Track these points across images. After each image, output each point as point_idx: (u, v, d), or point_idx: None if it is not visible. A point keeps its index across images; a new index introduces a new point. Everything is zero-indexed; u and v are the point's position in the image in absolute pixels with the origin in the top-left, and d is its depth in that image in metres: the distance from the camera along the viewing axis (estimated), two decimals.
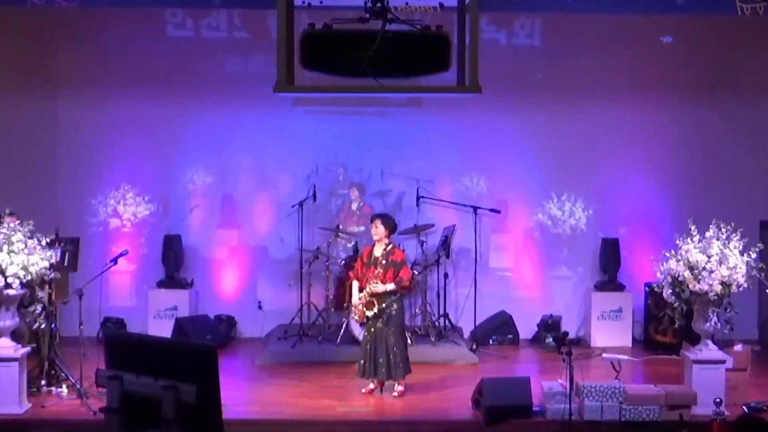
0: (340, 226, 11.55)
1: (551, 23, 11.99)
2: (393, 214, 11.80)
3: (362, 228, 11.51)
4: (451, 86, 5.68)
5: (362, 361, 9.13)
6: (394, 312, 9.05)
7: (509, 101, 11.76)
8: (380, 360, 9.02)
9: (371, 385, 9.25)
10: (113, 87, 11.78)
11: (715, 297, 8.28)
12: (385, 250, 9.14)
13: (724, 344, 9.03)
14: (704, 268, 8.25)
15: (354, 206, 11.89)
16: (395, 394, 9.15)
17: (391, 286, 9.02)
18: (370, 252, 9.26)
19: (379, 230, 9.14)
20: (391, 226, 9.25)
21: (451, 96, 9.80)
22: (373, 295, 9.03)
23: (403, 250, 9.46)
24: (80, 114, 11.92)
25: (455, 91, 5.89)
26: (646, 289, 11.37)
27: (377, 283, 9.01)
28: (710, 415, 7.81)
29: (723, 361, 8.60)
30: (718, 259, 8.27)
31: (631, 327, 11.72)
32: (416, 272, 11.18)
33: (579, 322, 12.06)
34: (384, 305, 9.01)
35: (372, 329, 9.09)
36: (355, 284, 9.33)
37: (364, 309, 9.06)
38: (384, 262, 9.06)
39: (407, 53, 5.34)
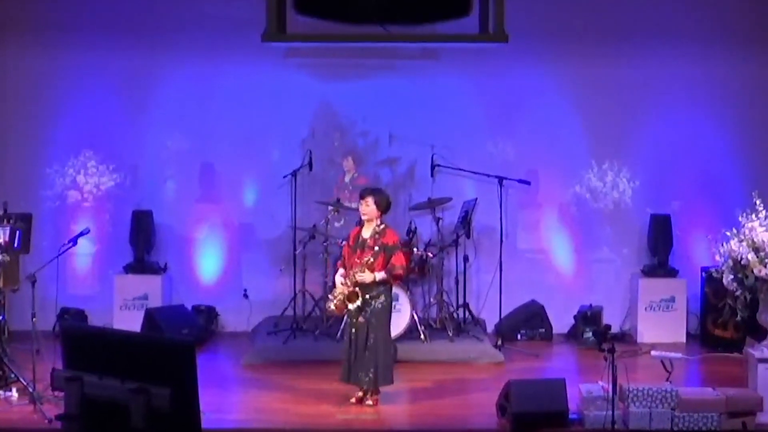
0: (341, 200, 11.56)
1: None
2: (404, 185, 11.88)
3: (355, 205, 11.51)
4: (472, 34, 5.67)
5: (347, 364, 8.94)
6: (380, 306, 8.82)
7: (541, 52, 11.72)
8: (359, 363, 8.82)
9: (360, 393, 9.02)
10: (72, 34, 11.77)
11: None
12: (374, 231, 8.89)
13: None
14: None
15: (347, 178, 11.87)
16: (369, 402, 8.95)
17: (380, 275, 8.77)
18: (358, 234, 9.01)
19: (370, 209, 8.86)
20: (384, 204, 8.95)
21: (472, 46, 9.79)
22: (358, 285, 8.78)
23: (397, 232, 9.23)
24: (32, 66, 11.92)
25: (477, 41, 5.89)
26: (703, 274, 11.37)
27: (364, 271, 8.76)
28: None
29: None
30: None
31: (685, 319, 11.75)
32: (430, 254, 11.21)
33: (623, 314, 12.08)
34: (368, 297, 8.79)
35: (352, 325, 8.87)
36: (340, 272, 9.06)
37: (346, 300, 8.77)
38: (373, 245, 8.79)
39: None
